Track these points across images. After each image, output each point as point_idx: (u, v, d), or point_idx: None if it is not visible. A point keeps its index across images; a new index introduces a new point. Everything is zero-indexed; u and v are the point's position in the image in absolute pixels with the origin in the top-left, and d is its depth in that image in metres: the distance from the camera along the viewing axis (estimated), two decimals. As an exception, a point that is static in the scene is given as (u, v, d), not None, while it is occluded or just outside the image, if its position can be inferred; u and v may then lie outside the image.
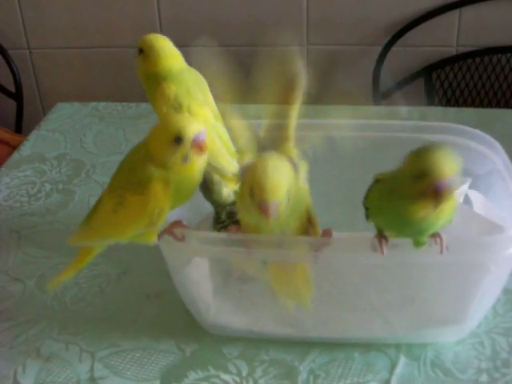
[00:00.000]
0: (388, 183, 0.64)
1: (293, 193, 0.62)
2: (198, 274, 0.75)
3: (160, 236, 0.69)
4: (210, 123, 0.78)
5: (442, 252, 0.65)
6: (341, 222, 0.91)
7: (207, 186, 0.83)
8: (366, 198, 0.67)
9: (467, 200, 0.84)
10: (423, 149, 0.60)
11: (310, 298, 0.73)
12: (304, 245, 0.66)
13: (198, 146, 0.65)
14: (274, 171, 0.60)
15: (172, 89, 0.76)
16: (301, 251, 0.67)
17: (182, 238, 0.69)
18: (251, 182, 0.61)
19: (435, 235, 0.65)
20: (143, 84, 0.80)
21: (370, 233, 0.89)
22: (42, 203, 1.06)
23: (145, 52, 0.78)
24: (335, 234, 0.86)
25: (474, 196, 0.84)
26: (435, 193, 0.58)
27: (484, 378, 0.73)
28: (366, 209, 0.68)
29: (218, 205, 0.83)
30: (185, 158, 0.65)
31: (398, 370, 0.74)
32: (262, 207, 0.60)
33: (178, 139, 0.64)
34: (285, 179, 0.61)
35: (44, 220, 1.01)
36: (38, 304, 0.86)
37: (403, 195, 0.60)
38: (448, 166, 0.58)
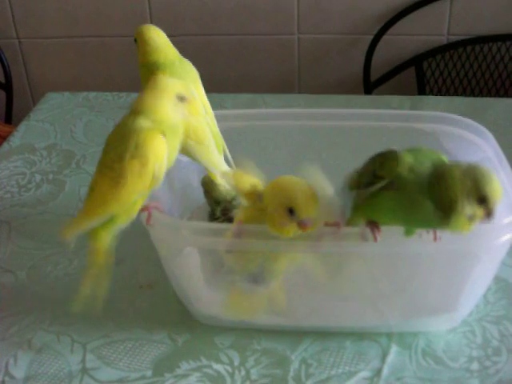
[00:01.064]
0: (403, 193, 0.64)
1: None
2: (189, 265, 0.74)
3: (141, 211, 0.71)
4: (200, 114, 0.78)
5: (435, 240, 0.65)
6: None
7: (208, 186, 0.83)
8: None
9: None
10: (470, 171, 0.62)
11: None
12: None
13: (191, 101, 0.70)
14: (311, 190, 0.65)
15: None
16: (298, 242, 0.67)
17: (148, 221, 0.70)
18: (289, 201, 0.64)
19: None
20: (140, 72, 0.80)
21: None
22: (32, 194, 1.05)
23: (138, 42, 0.79)
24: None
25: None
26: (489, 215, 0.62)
27: (475, 366, 0.73)
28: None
29: (219, 202, 0.84)
30: (184, 115, 0.70)
31: (390, 358, 0.74)
32: (303, 224, 0.64)
33: (180, 98, 0.69)
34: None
35: (35, 211, 1.01)
36: (30, 295, 0.85)
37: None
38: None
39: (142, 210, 0.71)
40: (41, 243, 0.94)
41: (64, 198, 1.03)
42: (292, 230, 0.65)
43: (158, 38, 0.79)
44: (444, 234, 0.67)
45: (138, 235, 0.91)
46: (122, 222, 0.72)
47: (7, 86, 1.75)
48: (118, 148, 0.68)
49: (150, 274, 0.86)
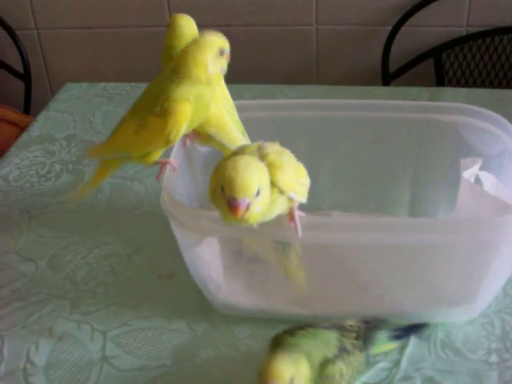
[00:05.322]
0: None
1: (267, 190, 0.62)
2: (209, 254, 0.75)
3: (156, 162, 0.78)
4: (220, 101, 0.78)
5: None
6: (350, 203, 0.92)
7: None
8: None
9: (478, 181, 0.84)
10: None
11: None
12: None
13: (227, 56, 0.74)
14: (244, 168, 0.60)
15: None
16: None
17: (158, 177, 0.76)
18: (222, 178, 0.60)
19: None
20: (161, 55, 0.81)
21: (380, 213, 0.89)
22: (52, 184, 1.06)
23: (167, 28, 0.81)
24: (344, 214, 0.85)
25: (485, 177, 0.84)
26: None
27: (494, 358, 0.73)
28: None
29: None
30: (222, 69, 0.74)
31: (409, 350, 0.74)
32: (231, 204, 0.59)
33: (221, 51, 0.72)
34: (256, 176, 0.60)
35: (55, 200, 1.02)
36: (50, 284, 0.86)
37: None
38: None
39: (157, 162, 0.77)
40: (61, 232, 0.95)
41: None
42: (226, 212, 0.60)
43: (186, 26, 0.80)
44: (465, 225, 0.67)
45: (157, 225, 0.92)
46: (135, 162, 0.80)
47: (26, 77, 1.76)
48: (150, 101, 0.74)
49: (169, 264, 0.86)
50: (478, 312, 0.77)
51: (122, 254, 0.90)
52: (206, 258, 0.75)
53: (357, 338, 0.67)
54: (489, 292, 0.76)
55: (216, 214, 0.64)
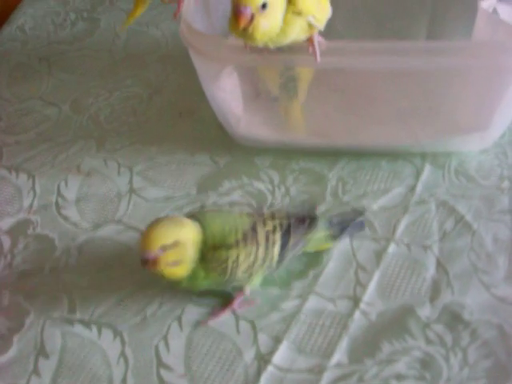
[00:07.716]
0: None
1: (277, 8, 0.61)
2: (229, 85, 0.75)
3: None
4: None
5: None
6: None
7: None
8: None
9: (495, 13, 0.83)
10: None
11: None
12: None
13: None
14: None
15: None
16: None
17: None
18: None
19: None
20: None
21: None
22: (68, 32, 1.06)
23: None
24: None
25: (502, 8, 0.83)
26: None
27: (506, 184, 0.75)
28: None
29: None
30: None
31: (424, 176, 0.76)
32: (234, 11, 0.59)
33: None
34: None
35: (72, 47, 1.02)
36: (74, 125, 0.88)
37: None
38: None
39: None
40: (81, 77, 0.96)
41: (100, 35, 1.04)
42: (233, 22, 0.60)
43: None
44: (481, 49, 0.67)
45: (175, 67, 0.94)
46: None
47: None
48: None
49: (189, 102, 0.88)
50: (491, 142, 0.79)
51: (143, 95, 0.91)
52: (227, 89, 0.75)
53: (275, 231, 0.63)
54: (502, 120, 0.76)
55: (235, 41, 0.64)
